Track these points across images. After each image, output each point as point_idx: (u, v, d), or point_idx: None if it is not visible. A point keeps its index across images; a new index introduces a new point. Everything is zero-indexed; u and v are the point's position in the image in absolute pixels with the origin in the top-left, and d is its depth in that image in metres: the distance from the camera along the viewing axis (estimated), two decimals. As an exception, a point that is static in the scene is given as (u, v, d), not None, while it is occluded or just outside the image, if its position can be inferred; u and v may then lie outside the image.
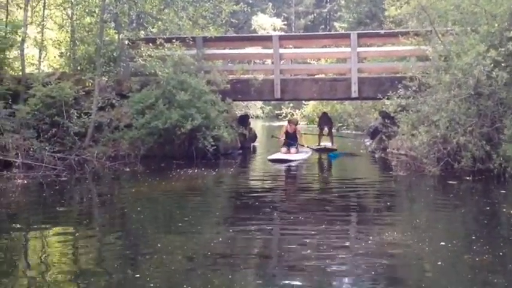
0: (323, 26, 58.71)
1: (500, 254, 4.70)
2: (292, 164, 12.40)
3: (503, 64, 9.21)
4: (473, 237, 5.32)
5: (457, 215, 6.81)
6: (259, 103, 37.59)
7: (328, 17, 59.45)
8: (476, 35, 9.79)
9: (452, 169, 9.64)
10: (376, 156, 12.06)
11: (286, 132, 13.96)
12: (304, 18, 57.25)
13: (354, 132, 23.76)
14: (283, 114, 35.79)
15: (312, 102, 30.11)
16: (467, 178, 9.17)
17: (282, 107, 37.32)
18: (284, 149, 13.55)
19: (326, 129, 15.75)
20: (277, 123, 35.95)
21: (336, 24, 39.51)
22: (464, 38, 9.94)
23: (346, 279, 4.29)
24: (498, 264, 4.47)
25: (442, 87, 10.10)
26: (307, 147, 14.25)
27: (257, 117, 38.20)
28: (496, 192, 8.20)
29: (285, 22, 49.91)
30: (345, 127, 26.06)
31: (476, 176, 9.25)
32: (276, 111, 40.49)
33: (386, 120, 13.03)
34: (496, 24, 9.51)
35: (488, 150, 9.33)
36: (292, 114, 30.88)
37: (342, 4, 42.27)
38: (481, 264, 4.47)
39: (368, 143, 17.03)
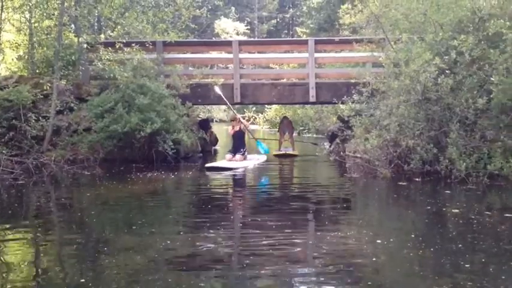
0: (286, 31, 59.43)
1: (432, 249, 5.04)
2: (231, 172, 11.65)
3: (447, 71, 9.68)
4: (413, 235, 5.67)
5: (403, 214, 7.16)
6: (223, 107, 37.86)
7: (291, 22, 60.19)
8: (423, 43, 10.25)
9: (403, 171, 10.03)
10: (331, 159, 12.44)
11: (234, 132, 13.38)
12: (267, 23, 57.80)
13: (315, 135, 24.23)
14: (246, 118, 36.10)
15: (274, 106, 30.55)
16: (417, 179, 9.58)
17: (245, 110, 37.65)
18: (228, 156, 12.87)
19: (287, 133, 15.86)
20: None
21: (298, 29, 40.13)
22: (413, 46, 10.38)
23: (300, 272, 4.54)
24: (430, 258, 4.80)
25: (393, 92, 10.52)
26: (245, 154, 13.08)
27: (221, 120, 38.36)
28: (441, 192, 8.60)
29: (248, 27, 50.38)
30: (306, 131, 26.55)
31: (426, 178, 9.67)
32: (240, 115, 40.83)
33: (341, 125, 13.44)
34: (440, 34, 9.97)
35: (435, 153, 9.75)
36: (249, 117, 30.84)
37: (304, 10, 42.98)
38: (415, 258, 4.80)
39: (327, 146, 17.42)
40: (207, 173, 11.47)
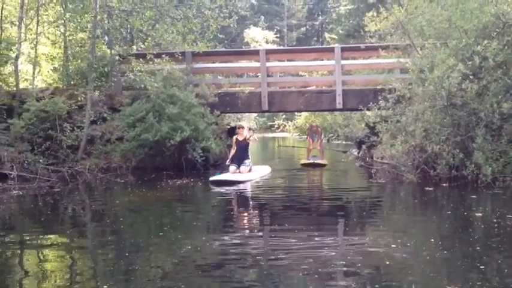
0: (315, 38, 59.46)
1: (448, 252, 5.18)
2: (241, 185, 10.79)
3: (471, 77, 9.70)
4: (432, 239, 5.79)
5: (426, 219, 7.27)
6: (254, 115, 38.19)
7: (320, 29, 60.23)
8: (446, 49, 10.30)
9: (430, 176, 10.07)
10: (357, 165, 12.52)
11: (237, 142, 12.29)
12: (297, 31, 57.98)
13: (344, 142, 24.22)
14: (276, 126, 36.36)
15: (304, 114, 30.65)
16: (444, 185, 9.64)
17: (275, 118, 37.85)
18: (233, 168, 11.77)
19: (315, 140, 15.29)
20: (270, 135, 36.47)
21: (327, 35, 40.21)
22: (437, 52, 10.44)
23: (327, 275, 4.62)
24: (446, 260, 4.95)
25: (419, 98, 10.58)
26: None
27: (250, 129, 38.63)
28: (467, 197, 8.65)
29: (278, 35, 50.59)
30: (335, 137, 26.57)
31: (453, 183, 9.70)
32: (270, 123, 41.05)
33: (368, 131, 13.48)
34: (464, 40, 10.00)
35: (462, 158, 9.76)
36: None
37: (333, 17, 43.04)
38: (431, 260, 4.94)
39: (355, 153, 17.48)
40: (212, 187, 10.58)
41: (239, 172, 11.66)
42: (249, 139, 12.28)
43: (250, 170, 11.94)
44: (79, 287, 4.55)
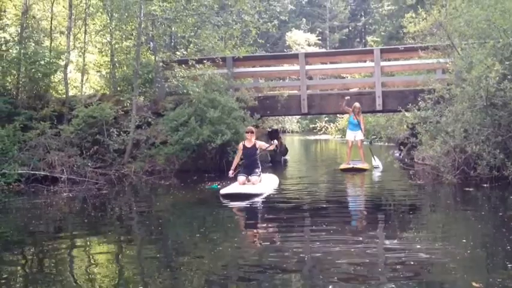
0: (358, 40, 59.05)
1: (473, 251, 5.29)
2: (250, 200, 9.34)
3: (509, 76, 9.60)
4: (464, 240, 5.85)
5: (462, 219, 7.30)
6: (296, 118, 38.32)
7: (363, 30, 59.78)
8: (484, 49, 10.22)
9: (470, 177, 10.00)
10: (396, 166, 12.52)
11: (244, 148, 10.64)
12: (339, 33, 57.70)
13: (386, 144, 24.05)
14: (318, 128, 36.35)
15: (346, 116, 30.56)
16: (484, 185, 9.55)
17: (317, 121, 37.80)
18: (241, 179, 10.22)
19: (358, 135, 13.74)
20: (312, 137, 36.49)
21: (369, 37, 39.94)
22: (475, 52, 10.37)
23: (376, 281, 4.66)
24: (476, 257, 5.07)
25: (459, 98, 10.53)
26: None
27: (292, 131, 38.73)
28: (507, 198, 8.58)
29: (320, 37, 50.50)
30: (377, 139, 26.39)
31: (493, 183, 9.59)
32: (312, 125, 41.05)
33: (409, 132, 13.45)
34: (501, 39, 9.91)
35: (502, 158, 9.66)
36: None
37: (376, 18, 42.73)
38: (461, 258, 5.04)
39: (397, 154, 17.39)
40: (224, 201, 9.32)
41: (250, 182, 10.16)
42: (263, 146, 10.86)
43: (261, 181, 10.42)
44: (126, 286, 4.79)
